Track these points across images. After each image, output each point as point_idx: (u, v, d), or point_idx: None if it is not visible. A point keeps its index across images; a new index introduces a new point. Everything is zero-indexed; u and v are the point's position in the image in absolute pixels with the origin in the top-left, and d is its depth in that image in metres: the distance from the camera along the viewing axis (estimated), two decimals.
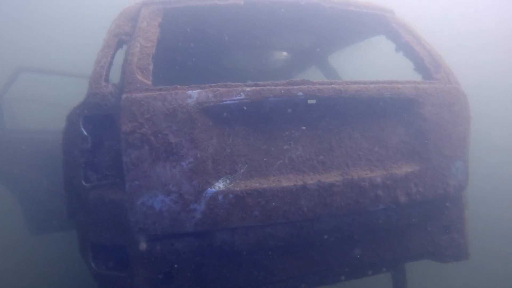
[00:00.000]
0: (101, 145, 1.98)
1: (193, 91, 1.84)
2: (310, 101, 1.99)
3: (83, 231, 2.03)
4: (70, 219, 2.07)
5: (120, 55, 2.16)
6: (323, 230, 1.99)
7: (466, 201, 2.70)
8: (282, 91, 1.90)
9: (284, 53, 4.11)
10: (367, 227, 2.08)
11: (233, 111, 1.89)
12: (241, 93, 1.87)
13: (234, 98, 1.86)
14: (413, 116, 2.16)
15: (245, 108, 1.88)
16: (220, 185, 1.82)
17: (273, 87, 1.91)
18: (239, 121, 1.92)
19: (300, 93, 1.92)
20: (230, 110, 1.88)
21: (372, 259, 2.19)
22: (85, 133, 1.92)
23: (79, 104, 1.97)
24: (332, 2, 2.48)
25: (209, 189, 1.79)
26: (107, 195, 1.93)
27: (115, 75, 2.08)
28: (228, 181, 1.84)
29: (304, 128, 1.99)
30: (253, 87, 1.89)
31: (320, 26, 2.93)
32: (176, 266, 1.88)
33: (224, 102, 1.85)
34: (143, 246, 1.81)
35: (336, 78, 4.12)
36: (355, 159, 2.03)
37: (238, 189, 1.82)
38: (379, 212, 2.07)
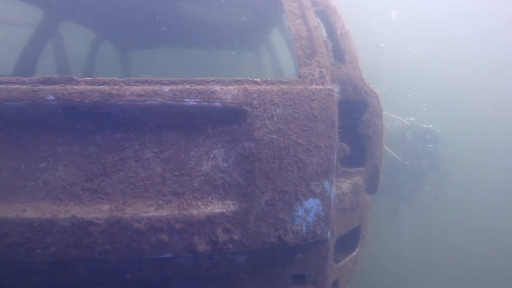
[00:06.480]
0: None
1: None
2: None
3: None
4: None
5: None
6: (97, 273, 1.57)
7: (362, 237, 2.00)
8: (26, 94, 1.39)
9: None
10: (163, 274, 1.60)
11: None
12: None
13: None
14: (237, 134, 1.49)
15: None
16: None
17: (15, 87, 1.40)
18: None
19: (51, 97, 1.39)
20: None
21: None
22: None
23: None
24: None
25: None
26: None
27: None
28: None
29: (68, 142, 1.48)
30: None
31: None
32: None
33: None
34: None
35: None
36: (138, 189, 1.49)
37: None
38: (177, 259, 1.56)
